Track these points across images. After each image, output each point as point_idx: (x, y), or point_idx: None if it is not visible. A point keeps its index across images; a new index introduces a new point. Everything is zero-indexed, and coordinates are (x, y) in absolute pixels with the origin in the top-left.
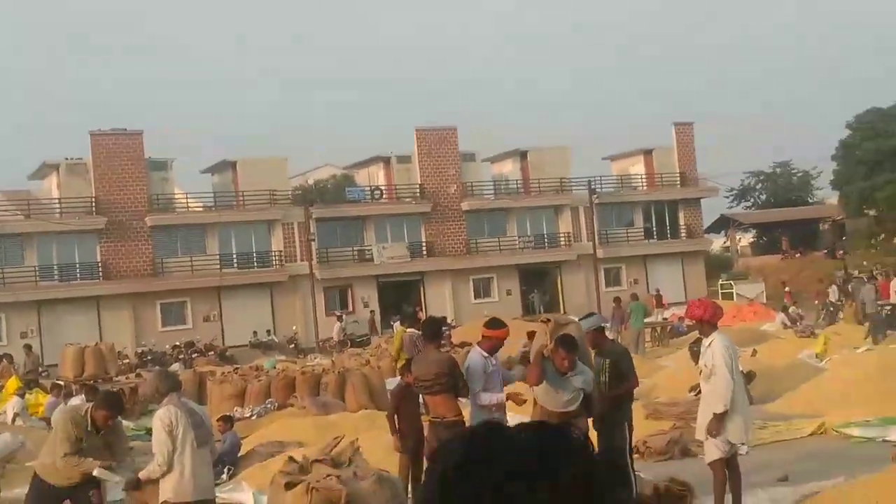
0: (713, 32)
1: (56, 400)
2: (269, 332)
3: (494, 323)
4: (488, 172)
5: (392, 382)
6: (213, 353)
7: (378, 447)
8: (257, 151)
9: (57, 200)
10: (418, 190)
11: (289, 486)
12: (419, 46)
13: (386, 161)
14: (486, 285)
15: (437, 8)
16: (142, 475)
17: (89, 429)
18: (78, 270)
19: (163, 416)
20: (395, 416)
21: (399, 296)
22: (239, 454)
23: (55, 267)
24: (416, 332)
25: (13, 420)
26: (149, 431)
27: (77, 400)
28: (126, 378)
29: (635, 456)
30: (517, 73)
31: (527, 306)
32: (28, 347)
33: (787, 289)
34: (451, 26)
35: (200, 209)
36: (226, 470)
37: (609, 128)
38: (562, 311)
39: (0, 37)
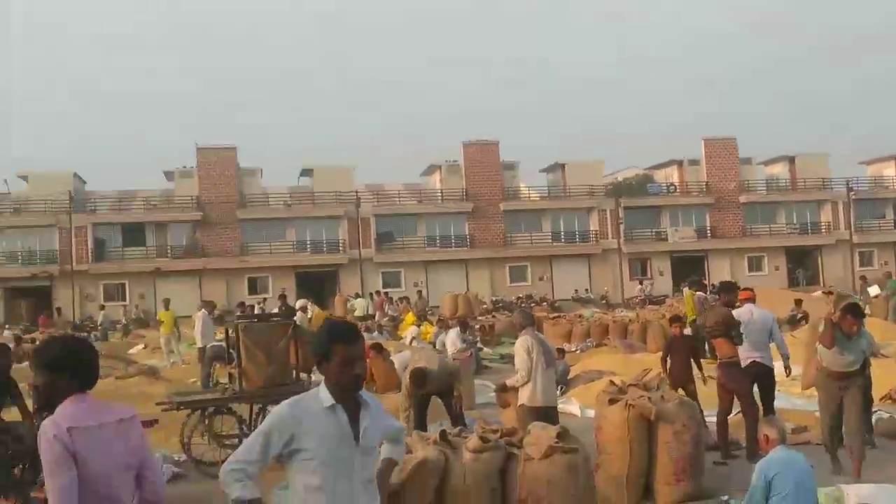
0: None
1: (439, 330)
2: (586, 290)
3: (746, 288)
4: (762, 173)
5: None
6: (545, 303)
7: None
8: (578, 155)
9: (439, 191)
10: (704, 186)
11: (611, 401)
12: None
13: (679, 163)
14: (759, 262)
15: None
16: (508, 382)
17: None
18: (452, 241)
19: (523, 343)
20: (667, 359)
21: (687, 268)
22: (568, 377)
23: (437, 238)
24: (703, 294)
25: (410, 342)
26: (502, 357)
27: (453, 332)
28: (485, 318)
29: (888, 402)
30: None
31: (792, 280)
32: (419, 293)
33: None
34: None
35: (538, 198)
36: (559, 388)
37: (863, 135)
38: (822, 286)
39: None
